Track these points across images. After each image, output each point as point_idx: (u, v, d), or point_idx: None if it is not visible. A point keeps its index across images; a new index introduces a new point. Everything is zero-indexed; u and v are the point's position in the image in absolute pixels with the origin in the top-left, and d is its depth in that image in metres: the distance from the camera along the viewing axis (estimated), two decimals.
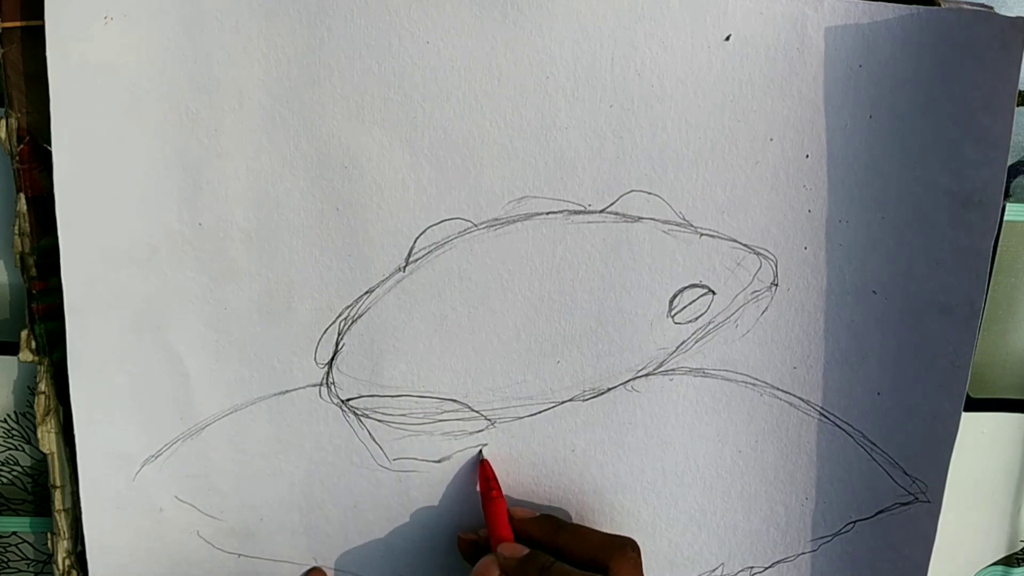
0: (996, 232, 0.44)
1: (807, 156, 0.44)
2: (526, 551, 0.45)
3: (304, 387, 0.47)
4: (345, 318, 0.46)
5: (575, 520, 0.49)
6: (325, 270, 0.45)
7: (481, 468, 0.47)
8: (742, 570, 0.50)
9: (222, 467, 0.48)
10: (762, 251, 0.46)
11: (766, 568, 0.50)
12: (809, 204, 0.45)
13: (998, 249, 0.46)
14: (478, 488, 0.48)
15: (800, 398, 0.47)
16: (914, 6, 0.42)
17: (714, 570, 0.50)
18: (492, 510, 0.46)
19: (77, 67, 0.42)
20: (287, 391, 0.47)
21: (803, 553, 0.49)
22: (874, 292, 0.46)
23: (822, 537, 0.49)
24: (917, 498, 0.48)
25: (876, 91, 0.43)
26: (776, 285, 0.46)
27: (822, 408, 0.47)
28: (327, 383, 0.47)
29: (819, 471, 0.48)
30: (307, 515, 0.49)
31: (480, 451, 0.48)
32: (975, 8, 0.42)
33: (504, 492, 0.48)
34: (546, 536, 0.46)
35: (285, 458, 0.48)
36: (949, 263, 0.45)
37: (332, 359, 0.47)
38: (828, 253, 0.46)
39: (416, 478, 0.48)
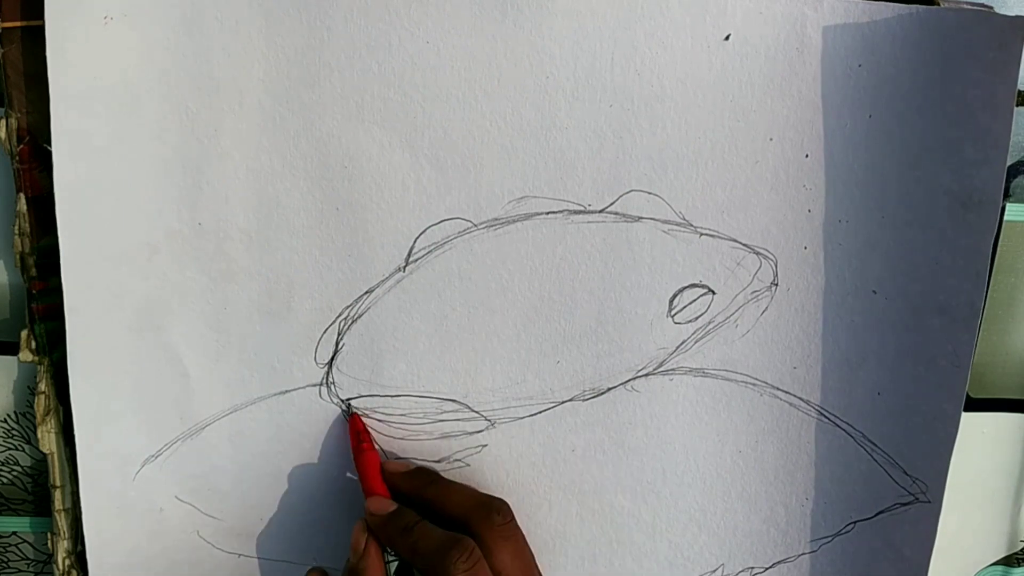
0: (996, 232, 0.44)
1: (807, 156, 0.44)
2: (393, 507, 0.43)
3: (304, 387, 0.47)
4: (345, 318, 0.46)
5: (574, 519, 0.49)
6: (325, 270, 0.45)
7: (351, 421, 0.47)
8: (742, 571, 0.50)
9: (222, 467, 0.48)
10: (762, 251, 0.46)
11: (766, 569, 0.50)
12: (809, 204, 0.45)
13: (998, 249, 0.46)
14: (350, 443, 0.47)
15: (800, 398, 0.47)
16: (914, 6, 0.42)
17: (714, 571, 0.50)
18: (363, 463, 0.45)
19: (77, 67, 0.42)
20: (287, 391, 0.47)
21: (803, 554, 0.49)
22: (874, 292, 0.46)
23: (822, 537, 0.49)
24: (917, 498, 0.48)
25: (876, 91, 0.43)
26: (776, 285, 0.46)
27: (822, 408, 0.47)
28: (327, 383, 0.47)
29: (819, 471, 0.48)
30: (307, 515, 0.49)
31: (348, 403, 0.47)
32: (975, 8, 0.42)
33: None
34: (416, 491, 0.44)
35: (285, 458, 0.48)
36: (949, 263, 0.45)
37: (332, 359, 0.47)
38: (828, 253, 0.46)
39: None
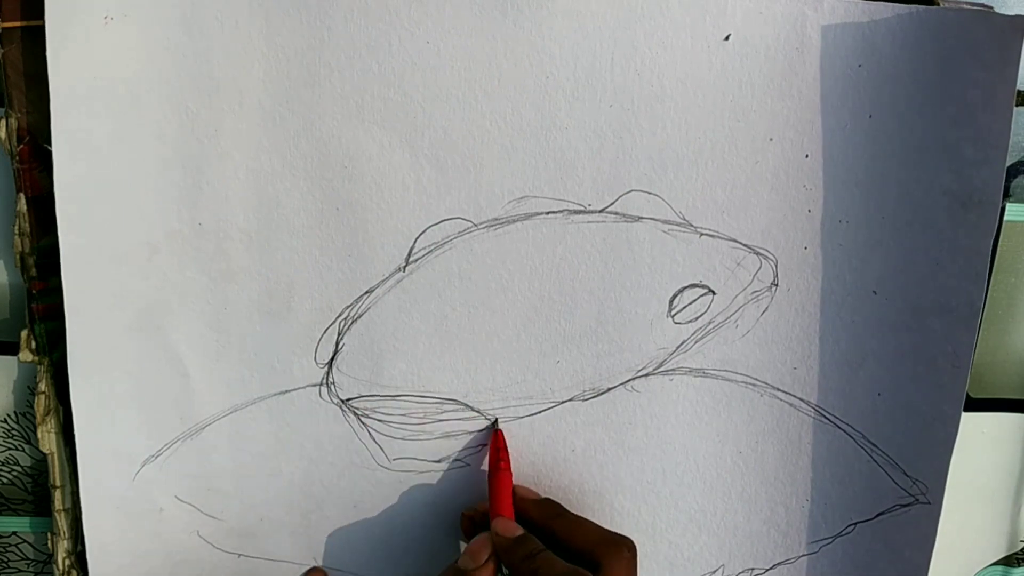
0: (996, 232, 0.44)
1: (807, 156, 0.44)
2: (520, 531, 0.44)
3: (304, 387, 0.47)
4: (345, 318, 0.46)
5: None
6: (325, 270, 0.45)
7: (493, 438, 0.47)
8: (742, 572, 0.50)
9: (222, 467, 0.48)
10: (762, 251, 0.46)
11: (767, 570, 0.50)
12: (809, 204, 0.45)
13: (998, 249, 0.46)
14: (487, 460, 0.47)
15: (800, 398, 0.47)
16: (913, 5, 0.42)
17: (714, 572, 0.50)
18: (497, 482, 0.46)
19: (77, 67, 0.42)
20: (287, 391, 0.47)
21: (803, 555, 0.49)
22: (874, 292, 0.46)
23: (822, 539, 0.49)
24: (917, 499, 0.48)
25: (876, 91, 0.43)
26: (776, 285, 0.46)
27: (822, 408, 0.47)
28: (327, 383, 0.47)
29: (819, 472, 0.48)
30: (307, 515, 0.49)
31: (495, 421, 0.47)
32: (974, 7, 0.42)
33: None
34: (544, 520, 0.45)
35: (285, 458, 0.48)
36: (949, 263, 0.45)
37: (332, 359, 0.47)
38: (828, 253, 0.45)
39: (416, 478, 0.48)
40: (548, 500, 0.47)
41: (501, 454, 0.46)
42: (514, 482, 0.46)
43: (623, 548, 0.43)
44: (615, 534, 0.45)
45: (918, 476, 0.48)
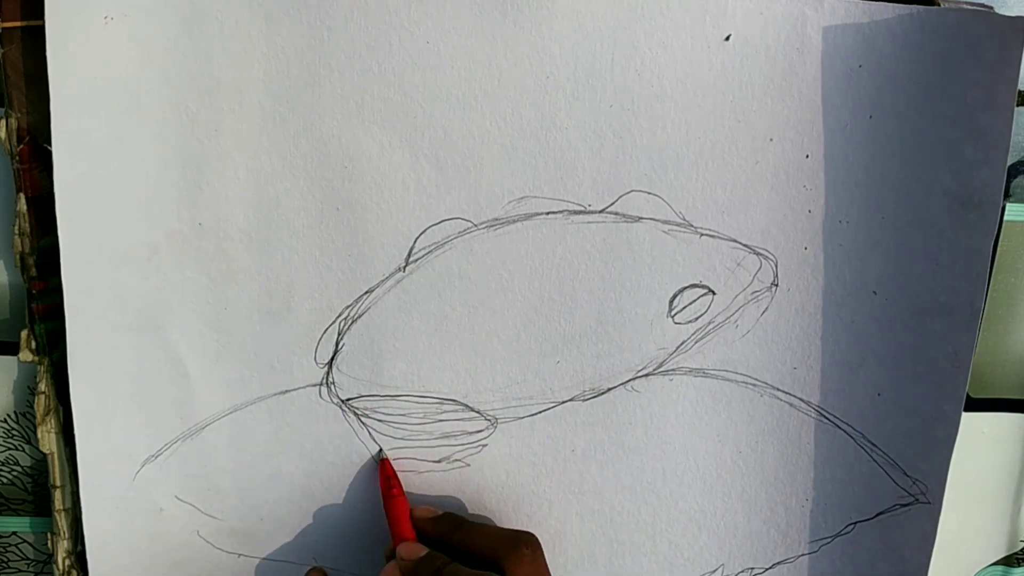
0: (996, 232, 0.44)
1: (807, 156, 0.44)
2: (424, 551, 0.44)
3: (304, 387, 0.47)
4: (345, 318, 0.46)
5: (574, 518, 0.49)
6: (325, 270, 0.45)
7: (381, 467, 0.47)
8: (742, 571, 0.50)
9: (222, 467, 0.48)
10: (762, 251, 0.46)
11: (766, 569, 0.50)
12: (809, 204, 0.45)
13: (998, 249, 0.45)
14: (380, 488, 0.47)
15: (800, 398, 0.47)
16: (914, 6, 0.42)
17: (714, 571, 0.50)
18: (393, 509, 0.46)
19: (77, 67, 0.42)
20: (287, 391, 0.47)
21: (803, 554, 0.49)
22: (874, 292, 0.46)
23: (822, 538, 0.49)
24: (917, 499, 0.48)
25: (876, 91, 0.43)
26: (776, 285, 0.46)
27: (822, 408, 0.47)
28: (327, 383, 0.47)
29: (819, 472, 0.48)
30: (307, 515, 0.49)
31: (380, 450, 0.47)
32: (975, 8, 0.42)
33: (502, 493, 0.48)
34: (443, 535, 0.45)
35: (285, 458, 0.48)
36: (949, 263, 0.45)
37: (332, 359, 0.47)
38: (828, 254, 0.46)
39: (416, 478, 0.48)
40: (447, 514, 0.47)
41: (392, 481, 0.47)
42: (413, 505, 0.47)
43: (521, 546, 0.44)
44: (515, 532, 0.45)
45: (918, 476, 0.48)
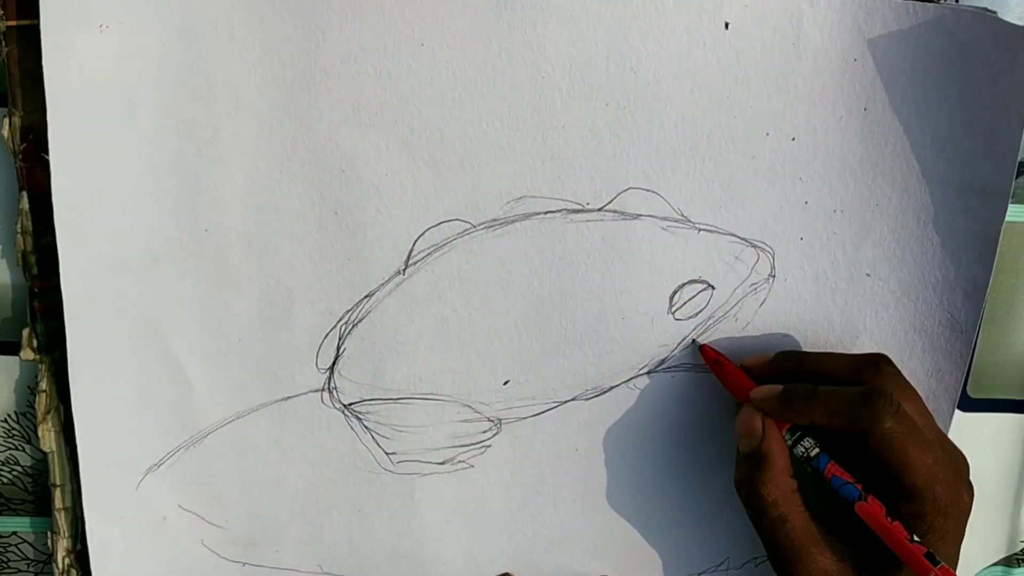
0: (1003, 218, 0.44)
1: (803, 149, 0.45)
2: (780, 387, 0.43)
3: (306, 393, 0.47)
4: (346, 322, 0.46)
5: (579, 517, 0.49)
6: (324, 274, 0.45)
7: (704, 354, 0.46)
8: (747, 561, 0.50)
9: (225, 475, 0.47)
10: (759, 244, 0.46)
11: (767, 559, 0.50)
12: (805, 196, 0.45)
13: (998, 249, 0.46)
14: (707, 363, 0.46)
15: None
16: (910, 2, 0.42)
17: (720, 564, 0.50)
18: (727, 375, 0.45)
19: (73, 75, 0.42)
20: (289, 397, 0.47)
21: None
22: (867, 275, 0.46)
23: None
24: None
25: (871, 84, 0.43)
26: (773, 276, 0.46)
27: None
28: (329, 388, 0.47)
29: None
30: (311, 521, 0.48)
31: (693, 340, 0.47)
32: (976, 10, 0.42)
33: (506, 493, 0.48)
34: (791, 370, 0.44)
35: (288, 465, 0.48)
36: (948, 244, 0.45)
37: (333, 364, 0.46)
38: (823, 242, 0.46)
39: (420, 481, 0.48)
40: (780, 352, 0.45)
41: (720, 359, 0.45)
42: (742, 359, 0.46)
43: (880, 362, 0.42)
44: (868, 354, 0.43)
45: None
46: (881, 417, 0.40)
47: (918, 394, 0.43)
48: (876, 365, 0.42)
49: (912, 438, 0.40)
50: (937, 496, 0.40)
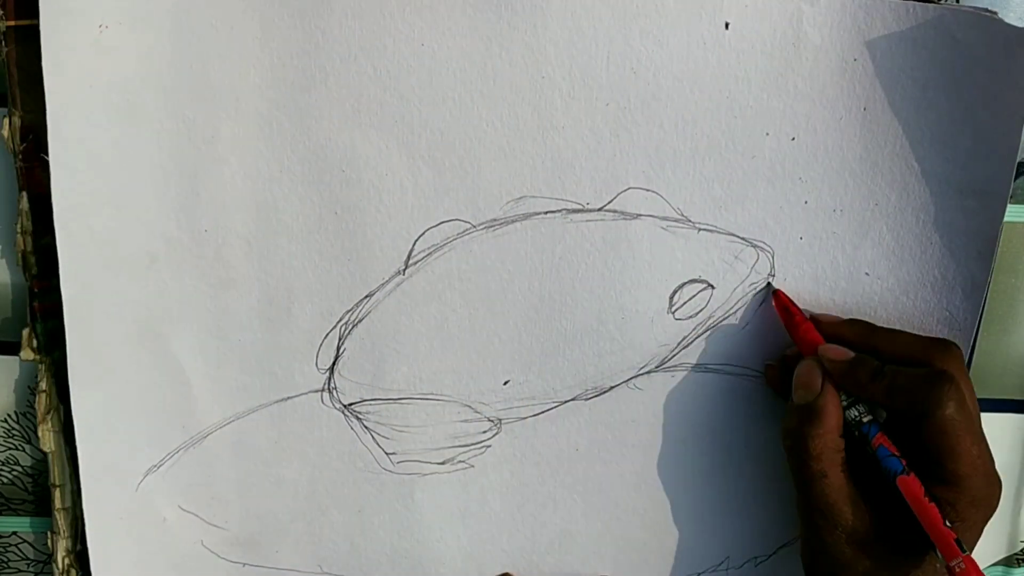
0: (1002, 217, 0.44)
1: (802, 149, 0.45)
2: (852, 354, 0.43)
3: (306, 393, 0.47)
4: (346, 323, 0.46)
5: (579, 517, 0.49)
6: (324, 275, 0.45)
7: (776, 300, 0.46)
8: (747, 561, 0.50)
9: (225, 475, 0.47)
10: (759, 244, 0.46)
11: (770, 556, 0.50)
12: (805, 196, 0.45)
13: (998, 250, 0.46)
14: (780, 319, 0.46)
15: None
16: (909, 2, 0.42)
17: (720, 563, 0.50)
18: (799, 327, 0.45)
19: (73, 75, 0.42)
20: (289, 397, 0.47)
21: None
22: (866, 274, 0.46)
23: None
24: None
25: (870, 84, 0.43)
26: (773, 276, 0.46)
27: None
28: (329, 388, 0.47)
29: None
30: (311, 522, 0.48)
31: (769, 283, 0.46)
32: (976, 11, 0.42)
33: (507, 493, 0.48)
34: (861, 339, 0.44)
35: (288, 465, 0.48)
36: (947, 244, 0.45)
37: (333, 364, 0.46)
38: (822, 241, 0.46)
39: (420, 481, 0.48)
40: (854, 320, 0.45)
41: (792, 309, 0.45)
42: (814, 315, 0.46)
43: (951, 347, 0.42)
44: (938, 339, 0.43)
45: None
46: (944, 402, 0.40)
47: (972, 385, 0.43)
48: (947, 349, 0.43)
49: (967, 427, 0.41)
50: (975, 487, 0.41)
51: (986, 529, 0.43)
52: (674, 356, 0.47)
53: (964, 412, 0.41)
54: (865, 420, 0.43)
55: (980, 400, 0.46)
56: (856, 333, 0.44)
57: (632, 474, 0.49)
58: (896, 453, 0.42)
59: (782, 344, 0.47)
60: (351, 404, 0.47)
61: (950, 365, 0.42)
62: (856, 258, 0.46)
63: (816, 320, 0.45)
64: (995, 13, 0.43)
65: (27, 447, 0.49)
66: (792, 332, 0.45)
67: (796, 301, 0.46)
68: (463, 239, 0.45)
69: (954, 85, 0.43)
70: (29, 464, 0.49)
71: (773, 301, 0.46)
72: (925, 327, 0.47)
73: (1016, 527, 0.53)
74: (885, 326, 0.45)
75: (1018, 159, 0.44)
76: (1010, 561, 0.54)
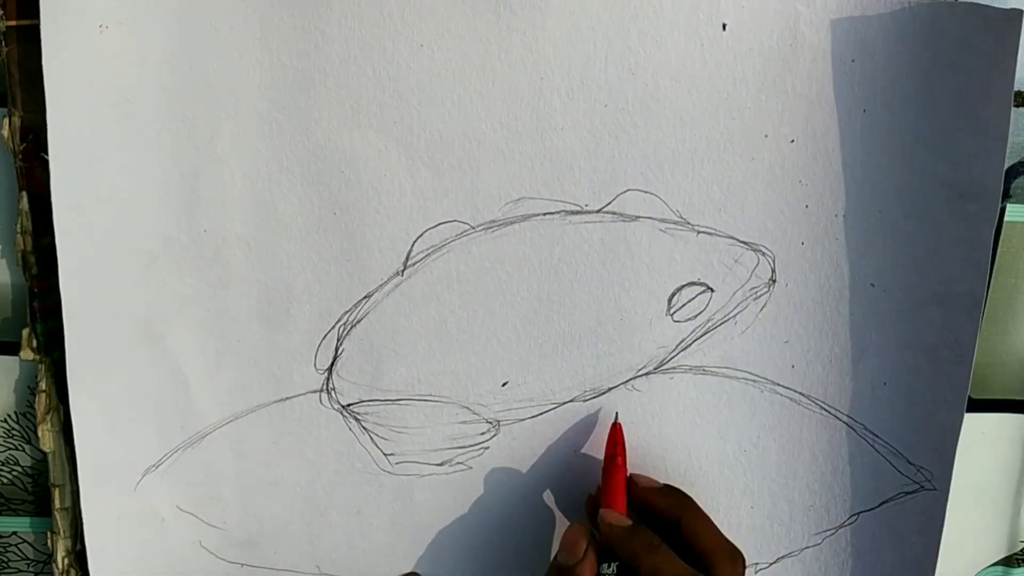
0: (996, 222, 0.44)
1: (802, 151, 0.44)
2: (630, 523, 0.43)
3: (304, 393, 0.47)
4: (344, 323, 0.46)
5: (581, 518, 0.49)
6: (323, 275, 0.45)
7: (613, 430, 0.46)
8: (747, 568, 0.50)
9: (223, 476, 0.47)
10: (759, 247, 0.46)
11: (770, 564, 0.50)
12: (806, 200, 0.45)
13: (998, 249, 0.46)
14: (605, 450, 0.46)
15: (801, 393, 0.48)
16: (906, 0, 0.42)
17: None
18: (612, 476, 0.45)
19: (73, 75, 0.42)
20: (287, 398, 0.47)
21: (807, 547, 0.49)
22: (872, 285, 0.46)
23: (826, 530, 0.49)
24: (923, 487, 0.48)
25: (870, 85, 0.43)
26: (774, 281, 0.46)
27: (823, 403, 0.48)
28: (327, 389, 0.47)
29: (822, 465, 0.48)
30: (310, 522, 0.48)
31: (616, 414, 0.47)
32: (969, 1, 0.43)
33: (504, 494, 0.48)
34: (671, 509, 0.44)
35: (287, 465, 0.48)
36: (948, 254, 0.45)
37: (332, 365, 0.46)
38: (825, 248, 0.46)
39: (418, 482, 0.48)
40: (671, 488, 0.46)
41: (619, 449, 0.45)
42: (634, 473, 0.46)
43: (738, 563, 0.43)
44: (732, 545, 0.44)
45: (922, 464, 0.48)
46: None
47: None
48: (732, 562, 0.43)
49: None
50: None
51: (986, 529, 0.43)
52: (672, 358, 0.47)
53: None
54: None
55: (980, 400, 0.47)
56: (667, 504, 0.45)
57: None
58: None
59: (781, 347, 0.47)
60: (350, 405, 0.47)
61: None
62: (861, 266, 0.46)
63: (633, 481, 0.45)
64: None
65: (27, 447, 0.49)
66: (605, 472, 0.45)
67: (798, 308, 0.46)
68: (462, 240, 0.45)
69: (952, 81, 0.43)
70: (29, 464, 0.50)
71: (609, 433, 0.46)
72: (930, 347, 0.46)
73: (1016, 527, 0.53)
74: (695, 510, 0.45)
75: (1015, 159, 0.44)
76: (1010, 561, 0.54)
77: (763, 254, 0.46)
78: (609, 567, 0.43)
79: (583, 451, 0.48)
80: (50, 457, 0.47)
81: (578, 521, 0.45)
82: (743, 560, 0.44)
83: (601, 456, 0.48)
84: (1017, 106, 0.44)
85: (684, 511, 0.44)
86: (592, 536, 0.44)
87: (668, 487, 0.46)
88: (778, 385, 0.47)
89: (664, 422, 0.48)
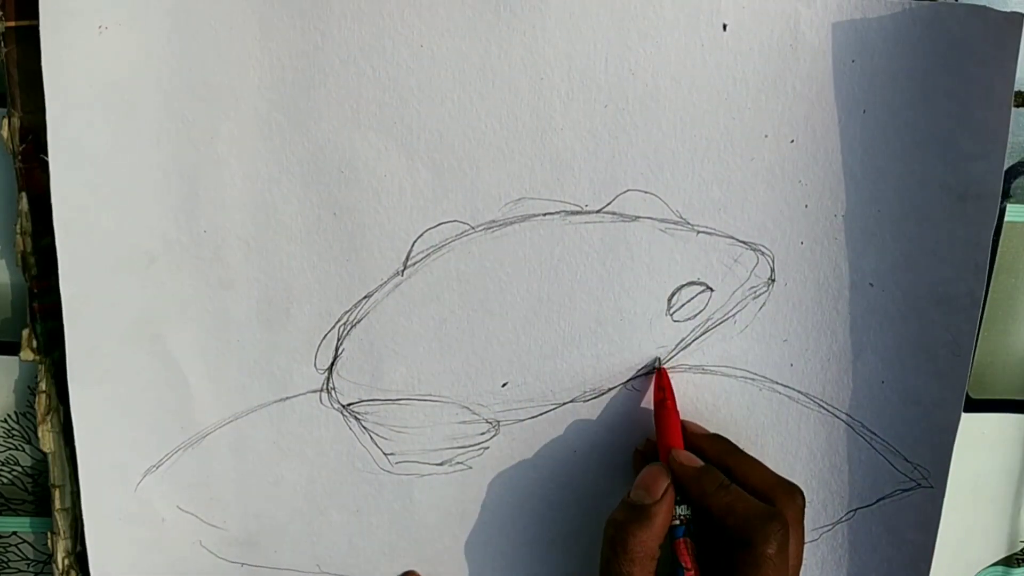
0: (996, 224, 0.45)
1: (802, 151, 0.45)
2: (702, 464, 0.43)
3: (304, 393, 0.47)
4: (344, 323, 0.46)
5: (577, 519, 0.49)
6: (323, 275, 0.45)
7: (657, 376, 0.46)
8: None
9: (224, 476, 0.47)
10: (759, 247, 0.46)
11: None
12: (805, 199, 0.45)
13: (998, 249, 0.46)
14: (652, 398, 0.46)
15: (799, 391, 0.48)
16: (907, 1, 0.42)
17: None
18: (666, 419, 0.45)
19: (72, 76, 0.42)
20: (287, 398, 0.47)
21: (805, 543, 0.49)
22: (871, 285, 0.46)
23: (823, 526, 0.49)
24: (919, 484, 0.48)
25: (870, 86, 0.44)
26: (773, 280, 0.46)
27: (821, 401, 0.48)
28: (327, 389, 0.47)
29: (820, 463, 0.48)
30: (310, 522, 0.49)
31: (657, 359, 0.47)
32: (970, 3, 0.43)
33: (504, 495, 0.48)
34: (718, 456, 0.44)
35: (287, 465, 0.48)
36: (946, 255, 0.45)
37: (332, 364, 0.46)
38: (824, 247, 0.46)
39: (418, 481, 0.48)
40: (718, 436, 0.46)
41: (667, 392, 0.45)
42: (685, 420, 0.46)
43: (797, 495, 0.43)
44: (788, 481, 0.44)
45: (919, 461, 0.48)
46: (769, 540, 0.41)
47: (803, 537, 0.44)
48: (792, 494, 0.43)
49: (779, 571, 0.41)
50: None
51: (986, 529, 0.43)
52: (672, 358, 0.47)
53: (782, 557, 0.41)
54: (676, 522, 0.43)
55: (980, 400, 0.47)
56: (716, 450, 0.45)
57: (630, 476, 0.48)
58: (688, 565, 0.43)
59: (780, 346, 0.47)
60: (350, 404, 0.47)
61: (789, 510, 0.43)
62: (860, 266, 0.46)
63: (684, 426, 0.46)
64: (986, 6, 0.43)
65: (27, 447, 0.49)
66: (657, 416, 0.46)
67: (797, 307, 0.46)
68: (462, 240, 0.45)
69: (952, 82, 0.43)
70: (29, 464, 0.49)
71: (654, 379, 0.46)
72: (928, 347, 0.47)
73: (1016, 527, 0.53)
74: (741, 455, 0.45)
75: (1015, 160, 0.44)
76: (1010, 561, 0.54)
77: (762, 253, 0.46)
78: (686, 509, 0.43)
79: (583, 451, 0.48)
80: (50, 457, 0.47)
81: (656, 463, 0.44)
82: (802, 493, 0.44)
83: (601, 456, 0.48)
84: (1017, 106, 0.44)
85: (732, 456, 0.45)
86: (672, 478, 0.44)
87: (716, 435, 0.46)
88: (777, 383, 0.48)
89: None
